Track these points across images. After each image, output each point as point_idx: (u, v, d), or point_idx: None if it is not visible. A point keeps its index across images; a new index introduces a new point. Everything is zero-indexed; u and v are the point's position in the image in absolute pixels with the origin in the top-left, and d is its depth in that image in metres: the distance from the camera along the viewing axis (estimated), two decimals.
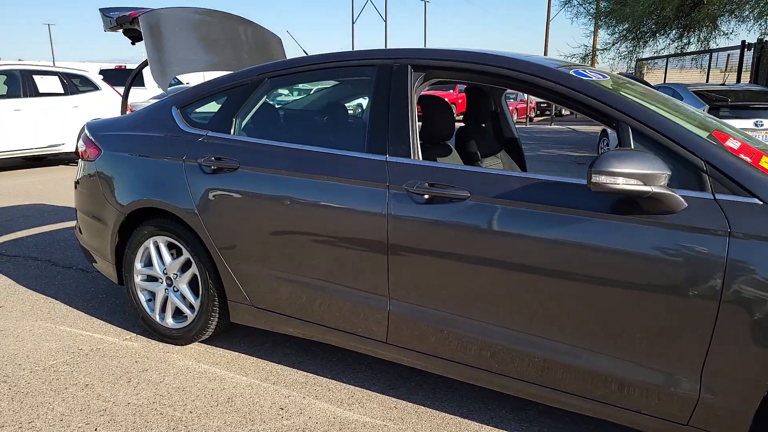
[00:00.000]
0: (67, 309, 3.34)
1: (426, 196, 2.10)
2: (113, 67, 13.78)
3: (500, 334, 2.04)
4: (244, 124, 2.70)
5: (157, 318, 2.91)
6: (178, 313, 2.92)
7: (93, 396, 2.43)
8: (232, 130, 2.68)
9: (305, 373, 2.63)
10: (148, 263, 2.96)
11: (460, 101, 19.48)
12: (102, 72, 13.41)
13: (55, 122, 8.82)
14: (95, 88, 9.50)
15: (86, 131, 3.22)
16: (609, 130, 10.16)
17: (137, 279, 2.96)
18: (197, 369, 2.66)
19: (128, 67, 14.04)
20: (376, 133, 2.29)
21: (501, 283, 1.98)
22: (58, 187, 7.29)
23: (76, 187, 3.27)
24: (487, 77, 2.14)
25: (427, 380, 2.58)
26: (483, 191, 2.00)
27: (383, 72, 2.33)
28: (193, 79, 18.09)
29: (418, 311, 2.20)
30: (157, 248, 2.88)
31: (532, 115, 23.40)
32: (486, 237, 1.98)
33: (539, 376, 2.00)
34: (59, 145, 8.91)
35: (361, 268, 2.26)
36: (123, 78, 13.19)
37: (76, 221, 3.41)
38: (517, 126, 2.76)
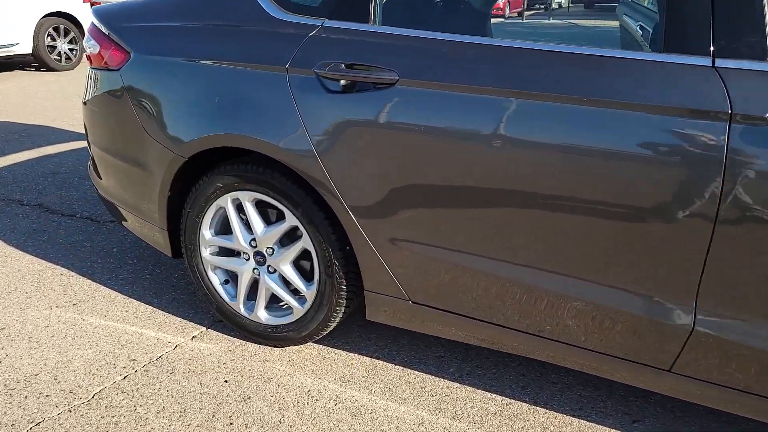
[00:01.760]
0: (90, 286, 2.35)
1: None
2: None
3: None
4: (393, 6, 1.63)
5: (242, 309, 1.97)
6: (273, 302, 1.98)
7: None
8: (370, 18, 1.61)
9: (492, 395, 1.77)
10: (224, 230, 1.96)
11: None
12: None
13: (2, 15, 7.21)
14: None
15: (96, 22, 2.08)
16: None
17: (206, 252, 1.98)
18: (323, 392, 1.77)
19: None
20: (682, 17, 1.28)
21: None
22: (23, 99, 5.94)
23: (85, 106, 2.18)
24: None
25: (668, 404, 1.76)
26: None
27: None
28: None
29: (736, 328, 1.32)
30: (239, 209, 1.88)
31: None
32: None
33: None
34: (11, 45, 7.36)
35: (646, 258, 1.34)
36: None
37: (90, 157, 2.35)
38: (510, 20, 1.83)
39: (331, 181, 1.62)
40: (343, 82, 1.57)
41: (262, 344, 1.98)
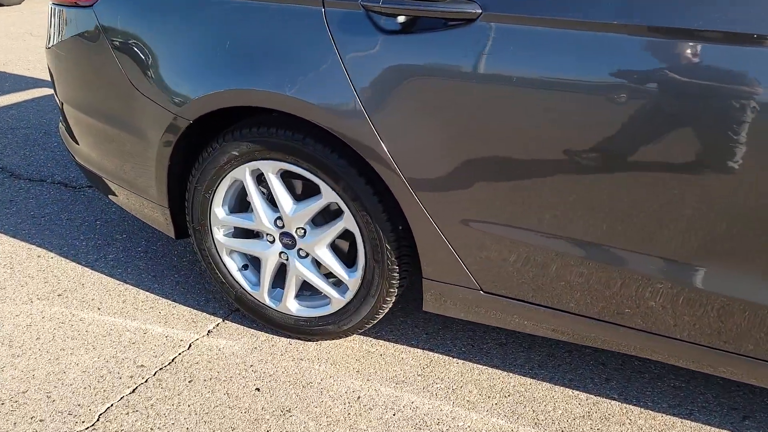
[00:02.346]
0: (75, 270, 1.99)
1: None
2: None
3: None
4: None
5: (267, 299, 1.65)
6: (304, 289, 1.66)
7: None
8: None
9: (573, 392, 1.50)
10: (242, 207, 1.61)
11: None
12: None
13: None
14: None
15: None
16: None
17: (219, 234, 1.63)
18: (376, 398, 1.48)
19: None
20: None
21: None
22: None
23: (50, 51, 1.76)
24: None
25: None
26: None
27: None
28: None
29: None
30: (258, 181, 1.53)
31: None
32: None
33: None
34: None
35: None
36: None
37: (60, 116, 1.94)
38: None
39: (384, 148, 1.28)
40: (401, 18, 1.19)
41: (293, 338, 1.69)
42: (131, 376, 1.55)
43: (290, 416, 1.43)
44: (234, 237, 1.64)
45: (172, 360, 1.60)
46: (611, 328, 1.31)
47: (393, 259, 1.44)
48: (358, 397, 1.49)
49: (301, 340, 1.68)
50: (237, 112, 1.51)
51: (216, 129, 1.56)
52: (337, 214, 1.50)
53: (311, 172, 1.42)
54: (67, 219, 2.31)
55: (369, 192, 1.38)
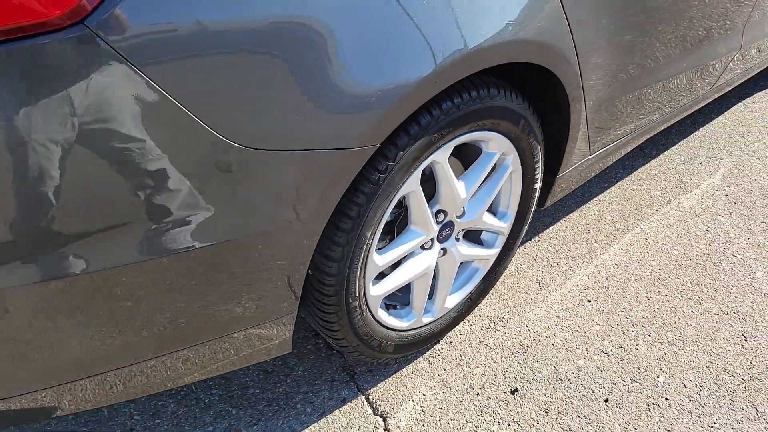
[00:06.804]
0: None
1: None
2: None
3: None
4: None
5: (423, 318, 1.24)
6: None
7: None
8: None
9: None
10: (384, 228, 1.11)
11: None
12: None
13: None
14: None
15: None
16: None
17: (371, 287, 1.09)
18: None
19: None
20: None
21: None
22: None
23: None
24: None
25: None
26: None
27: None
28: None
29: None
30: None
31: None
32: None
33: None
34: None
35: None
36: None
37: None
38: None
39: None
40: None
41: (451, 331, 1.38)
42: None
43: None
44: (383, 278, 1.14)
45: None
46: None
47: (540, 180, 1.34)
48: None
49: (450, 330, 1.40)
50: None
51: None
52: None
53: (491, 130, 1.12)
54: None
55: (536, 120, 1.21)
